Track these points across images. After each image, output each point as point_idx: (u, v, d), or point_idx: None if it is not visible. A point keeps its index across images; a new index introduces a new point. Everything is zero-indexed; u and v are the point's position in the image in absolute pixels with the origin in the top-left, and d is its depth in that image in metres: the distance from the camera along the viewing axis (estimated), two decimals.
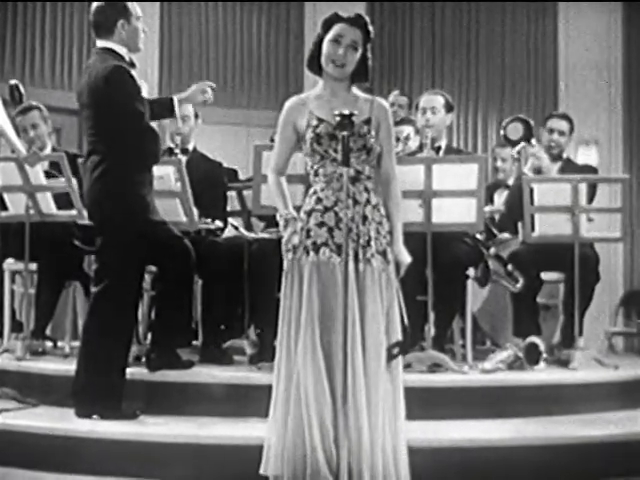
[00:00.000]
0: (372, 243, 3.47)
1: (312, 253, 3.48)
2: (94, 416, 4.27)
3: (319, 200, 3.53)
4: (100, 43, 4.43)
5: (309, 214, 3.52)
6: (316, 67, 3.61)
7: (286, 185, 3.64)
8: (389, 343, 3.43)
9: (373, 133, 3.53)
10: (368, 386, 3.37)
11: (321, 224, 3.50)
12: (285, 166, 3.66)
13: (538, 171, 5.61)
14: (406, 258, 3.54)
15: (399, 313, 3.50)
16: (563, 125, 5.77)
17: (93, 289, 4.40)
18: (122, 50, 4.41)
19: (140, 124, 4.32)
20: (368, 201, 3.51)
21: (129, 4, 4.43)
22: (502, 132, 5.87)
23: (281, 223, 3.55)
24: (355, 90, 3.64)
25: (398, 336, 3.47)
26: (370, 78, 3.66)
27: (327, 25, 3.59)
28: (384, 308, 3.46)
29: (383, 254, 3.50)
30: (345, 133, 3.28)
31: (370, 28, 3.59)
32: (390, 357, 3.41)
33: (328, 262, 3.46)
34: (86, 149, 4.48)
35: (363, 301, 3.41)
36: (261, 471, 3.48)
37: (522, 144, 5.62)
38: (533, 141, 5.62)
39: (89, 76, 4.36)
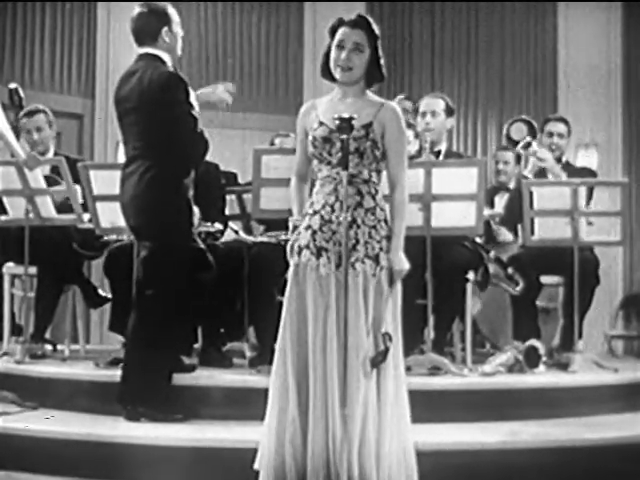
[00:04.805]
0: (359, 247, 3.45)
1: (295, 256, 3.52)
2: (142, 419, 4.31)
3: (312, 203, 3.56)
4: (144, 49, 4.43)
5: (303, 217, 3.56)
6: (329, 75, 3.60)
7: (306, 191, 3.67)
8: (377, 349, 3.41)
9: (372, 137, 3.50)
10: (350, 389, 3.33)
11: (307, 227, 3.52)
12: (305, 171, 3.68)
13: (542, 172, 5.61)
14: (402, 266, 3.49)
15: (389, 321, 3.47)
16: (561, 128, 5.80)
17: (136, 296, 4.42)
18: (165, 56, 4.43)
19: (194, 130, 4.31)
20: (360, 204, 3.49)
21: (169, 10, 4.45)
22: (505, 132, 5.87)
23: (290, 228, 3.61)
24: (370, 94, 3.62)
25: (384, 344, 3.44)
26: (385, 77, 3.62)
27: (332, 31, 3.57)
28: (369, 312, 3.42)
29: (375, 259, 3.47)
30: (344, 136, 3.29)
31: (375, 28, 3.55)
32: (374, 364, 3.40)
33: (307, 264, 3.48)
34: (128, 153, 4.45)
35: (345, 305, 3.35)
36: (255, 466, 3.53)
37: (527, 138, 5.61)
38: (534, 143, 5.63)
39: (140, 81, 4.33)
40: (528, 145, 5.59)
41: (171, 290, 4.32)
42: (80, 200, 5.19)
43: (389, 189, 3.59)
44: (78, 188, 5.16)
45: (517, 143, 5.77)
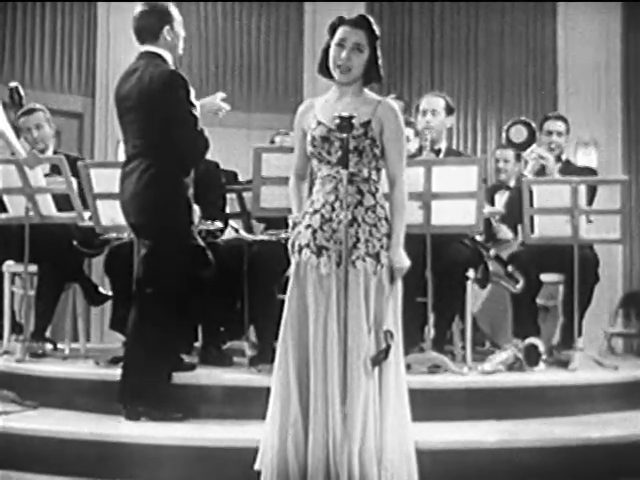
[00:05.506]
0: (360, 245, 3.45)
1: (296, 254, 3.52)
2: (142, 418, 4.32)
3: (312, 202, 3.56)
4: (145, 47, 4.44)
5: (303, 217, 3.56)
6: (326, 72, 3.59)
7: (305, 189, 3.67)
8: (378, 348, 3.40)
9: (371, 135, 3.49)
10: (351, 388, 3.33)
11: (308, 226, 3.52)
12: (304, 169, 3.69)
13: (543, 170, 5.61)
14: (403, 263, 3.49)
15: (390, 319, 3.47)
16: (560, 126, 5.80)
17: (136, 294, 4.43)
18: (167, 55, 4.44)
19: (195, 128, 4.33)
20: (360, 203, 3.48)
21: (171, 9, 4.47)
22: (504, 135, 5.87)
23: (290, 225, 3.61)
24: (367, 92, 3.61)
25: (385, 342, 3.45)
26: (382, 78, 3.61)
27: (332, 29, 3.56)
28: (370, 310, 3.43)
29: (376, 256, 3.47)
30: (345, 135, 3.29)
31: (375, 28, 3.55)
32: (376, 362, 3.40)
33: (307, 263, 3.48)
34: (128, 152, 4.46)
35: (346, 303, 3.34)
36: (255, 466, 3.53)
37: (534, 146, 5.63)
38: (537, 148, 5.64)
39: (140, 80, 4.35)
40: (531, 152, 5.61)
41: (171, 288, 4.33)
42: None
43: (388, 187, 3.58)
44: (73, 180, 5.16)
45: (516, 145, 5.79)
